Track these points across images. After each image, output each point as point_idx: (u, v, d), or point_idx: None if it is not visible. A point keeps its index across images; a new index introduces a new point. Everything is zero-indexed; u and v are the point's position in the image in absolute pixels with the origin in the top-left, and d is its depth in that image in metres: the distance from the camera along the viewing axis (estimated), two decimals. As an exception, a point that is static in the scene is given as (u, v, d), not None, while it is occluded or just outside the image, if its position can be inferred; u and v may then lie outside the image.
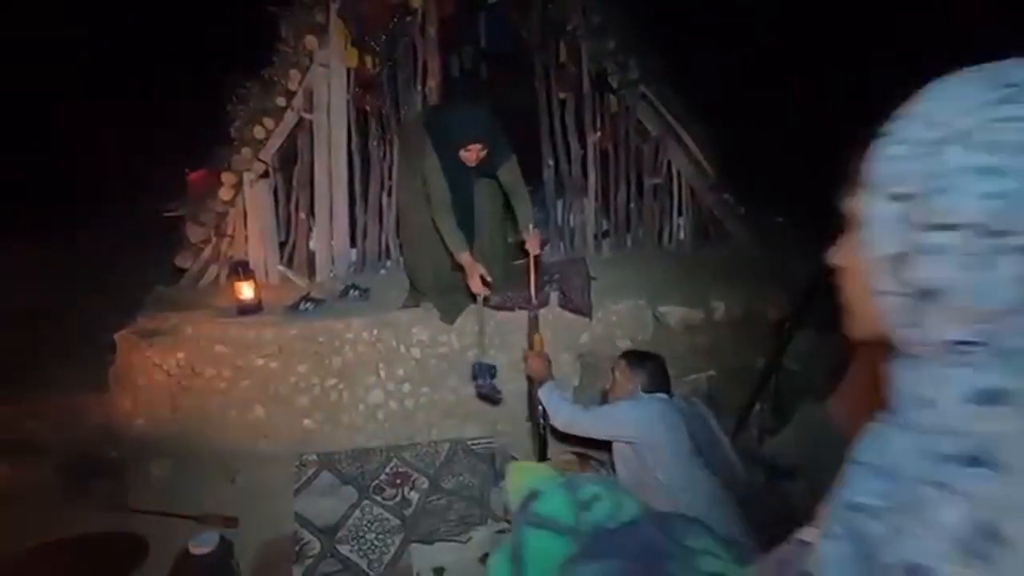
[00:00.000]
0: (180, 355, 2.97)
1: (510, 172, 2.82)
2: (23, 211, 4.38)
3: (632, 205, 3.83)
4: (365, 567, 2.25)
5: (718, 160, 3.81)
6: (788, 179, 3.66)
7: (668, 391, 2.32)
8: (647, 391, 2.26)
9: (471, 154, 2.65)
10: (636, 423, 2.12)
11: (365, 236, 3.61)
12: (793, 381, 2.57)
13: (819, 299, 2.23)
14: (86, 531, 2.33)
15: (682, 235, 3.90)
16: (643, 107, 3.65)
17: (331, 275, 3.57)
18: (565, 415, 2.27)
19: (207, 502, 2.52)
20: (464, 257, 2.75)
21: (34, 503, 2.53)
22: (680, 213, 3.87)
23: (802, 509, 2.13)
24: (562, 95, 3.62)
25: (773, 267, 3.55)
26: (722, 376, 3.15)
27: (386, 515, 2.52)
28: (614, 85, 3.60)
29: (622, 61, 3.54)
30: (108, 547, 2.28)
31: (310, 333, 3.03)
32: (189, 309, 3.21)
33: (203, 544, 2.14)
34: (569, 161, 3.71)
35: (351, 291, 3.31)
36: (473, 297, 2.86)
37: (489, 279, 2.77)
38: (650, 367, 2.31)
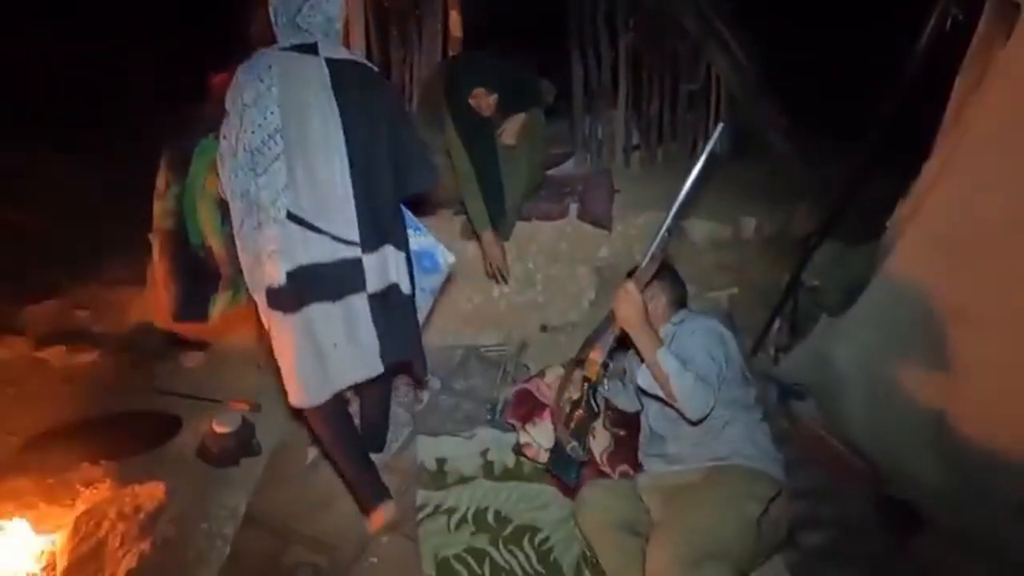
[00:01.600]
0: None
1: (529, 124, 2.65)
2: (68, 122, 4.54)
3: (665, 116, 3.59)
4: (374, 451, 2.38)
5: (764, 65, 3.49)
6: (840, 89, 3.34)
7: None
8: (677, 308, 1.97)
9: (478, 101, 2.50)
10: (729, 340, 1.83)
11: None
12: (812, 297, 2.46)
13: (847, 212, 2.08)
14: (129, 408, 2.58)
15: (717, 147, 3.66)
16: (682, 4, 3.33)
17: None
18: (688, 378, 1.63)
19: (233, 390, 2.70)
20: (486, 236, 2.75)
21: (86, 383, 2.78)
22: (716, 124, 3.61)
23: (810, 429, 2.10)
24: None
25: (813, 184, 3.32)
26: (745, 295, 3.04)
27: (397, 410, 2.63)
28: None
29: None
30: (147, 422, 2.51)
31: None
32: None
33: (227, 424, 2.33)
34: (599, 68, 3.48)
35: (371, 198, 3.31)
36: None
37: (505, 273, 2.86)
38: (671, 277, 2.00)
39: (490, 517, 2.08)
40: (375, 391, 2.23)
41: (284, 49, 1.69)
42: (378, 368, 1.83)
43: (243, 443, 2.34)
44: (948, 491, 1.92)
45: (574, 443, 1.89)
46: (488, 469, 2.30)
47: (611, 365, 1.97)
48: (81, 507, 1.91)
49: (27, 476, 2.10)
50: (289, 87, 1.64)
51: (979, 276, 1.68)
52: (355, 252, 1.73)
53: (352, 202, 1.70)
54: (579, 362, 1.99)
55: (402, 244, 1.86)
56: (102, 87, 4.68)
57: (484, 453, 2.38)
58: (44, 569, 1.78)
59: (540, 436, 2.29)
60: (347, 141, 1.68)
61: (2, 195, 4.18)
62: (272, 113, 1.62)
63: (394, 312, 1.83)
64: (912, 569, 1.87)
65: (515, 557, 1.93)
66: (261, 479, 2.25)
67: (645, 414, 1.99)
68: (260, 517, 2.07)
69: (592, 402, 1.94)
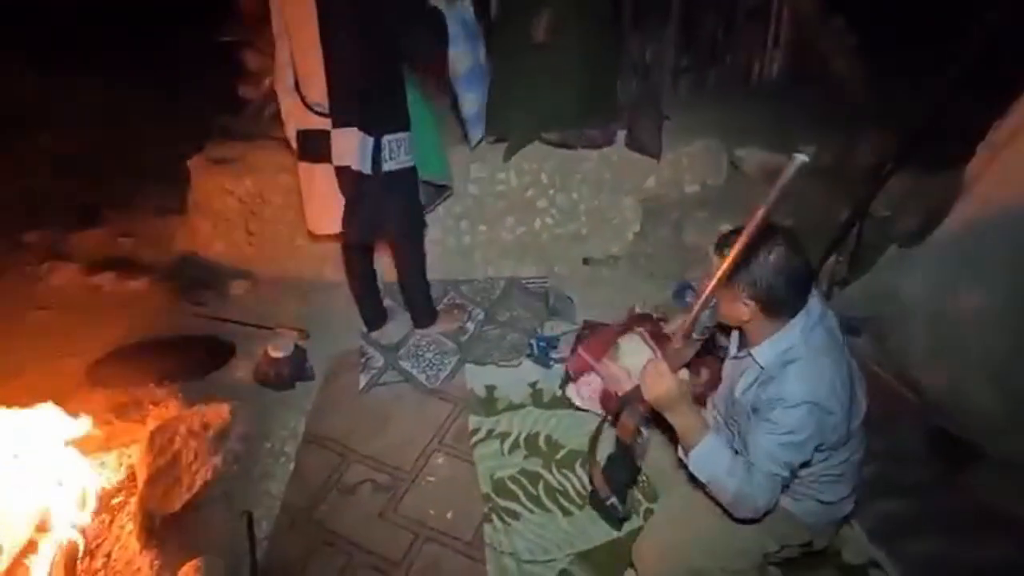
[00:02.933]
0: (248, 182, 3.06)
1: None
2: (100, 44, 4.42)
3: (720, 35, 3.35)
4: (424, 380, 2.43)
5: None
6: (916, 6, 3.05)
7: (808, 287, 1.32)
8: (784, 314, 1.30)
9: None
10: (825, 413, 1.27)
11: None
12: (880, 229, 2.35)
13: (926, 140, 1.94)
14: (183, 333, 2.64)
15: (775, 71, 3.43)
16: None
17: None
18: (730, 490, 1.29)
19: (280, 317, 2.75)
20: None
21: (138, 308, 2.85)
22: (776, 44, 3.37)
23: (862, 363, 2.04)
24: None
25: (879, 111, 3.11)
26: (800, 227, 2.90)
27: (443, 339, 2.66)
28: None
29: None
30: (203, 347, 2.57)
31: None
32: (254, 139, 3.24)
33: (282, 349, 2.38)
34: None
35: (409, 124, 3.21)
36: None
37: None
38: (786, 246, 1.27)
39: (541, 442, 2.12)
40: (395, 256, 2.53)
41: None
42: (332, 229, 2.21)
43: (297, 367, 2.40)
44: (1007, 423, 1.90)
45: (613, 499, 1.67)
46: (537, 397, 2.33)
47: (645, 431, 1.66)
48: (152, 424, 1.99)
49: (97, 394, 2.19)
50: None
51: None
52: (326, 124, 2.00)
53: (323, 78, 1.92)
54: (614, 416, 1.70)
55: (370, 126, 1.99)
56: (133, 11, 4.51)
57: (533, 383, 2.40)
58: (126, 479, 1.89)
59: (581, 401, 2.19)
60: (321, 22, 1.85)
61: (40, 121, 4.16)
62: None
63: (358, 190, 2.08)
64: (964, 497, 1.87)
65: (568, 480, 1.98)
66: (316, 402, 2.32)
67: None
68: (319, 437, 2.15)
69: (628, 460, 1.65)
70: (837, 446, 1.35)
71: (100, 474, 1.89)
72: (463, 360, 2.54)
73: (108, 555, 1.71)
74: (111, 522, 1.79)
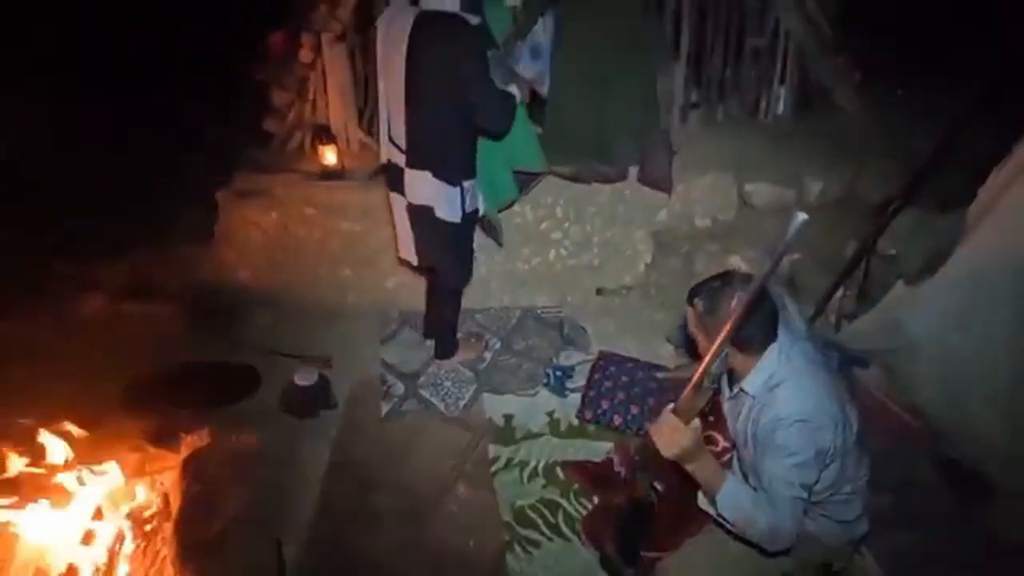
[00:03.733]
0: (273, 215, 3.18)
1: None
2: (133, 80, 4.60)
3: (728, 72, 3.47)
4: (443, 408, 2.50)
5: (838, 17, 3.32)
6: (916, 43, 3.17)
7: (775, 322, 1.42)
8: (758, 348, 1.41)
9: None
10: (818, 433, 1.35)
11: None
12: (886, 265, 2.43)
13: (932, 178, 2.02)
14: (211, 360, 2.73)
15: (781, 107, 3.54)
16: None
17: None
18: (759, 526, 1.34)
19: (303, 346, 2.83)
20: None
21: (165, 335, 2.94)
22: (782, 81, 3.48)
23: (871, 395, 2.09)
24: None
25: (885, 146, 3.20)
26: (808, 260, 3.00)
27: (461, 368, 2.73)
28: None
29: None
30: (230, 374, 2.66)
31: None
32: (279, 172, 3.36)
33: (307, 377, 2.47)
34: (661, 19, 3.35)
35: (428, 159, 3.33)
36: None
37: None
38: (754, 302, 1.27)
39: (559, 471, 2.18)
40: (436, 288, 2.70)
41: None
42: (413, 259, 2.47)
43: (321, 396, 2.48)
44: (1017, 456, 1.94)
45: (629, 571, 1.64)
46: (554, 426, 2.40)
47: (660, 487, 1.69)
48: (185, 452, 2.06)
49: (131, 420, 2.27)
50: (388, 30, 2.15)
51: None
52: (402, 161, 2.25)
53: (404, 126, 2.19)
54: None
55: (448, 176, 2.21)
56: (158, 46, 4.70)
57: (550, 412, 2.47)
58: (160, 505, 1.95)
59: None
60: (407, 79, 2.10)
61: (73, 150, 4.31)
62: (377, 49, 2.21)
63: (426, 225, 2.31)
64: (977, 530, 1.91)
65: (586, 509, 2.03)
66: (340, 430, 2.39)
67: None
68: (343, 465, 2.22)
69: (641, 520, 1.62)
70: (839, 457, 1.41)
71: (135, 502, 1.96)
72: (481, 389, 2.61)
73: (143, 580, 1.77)
74: (146, 547, 1.86)
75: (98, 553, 1.77)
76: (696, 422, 1.38)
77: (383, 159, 2.40)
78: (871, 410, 2.38)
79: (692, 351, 1.57)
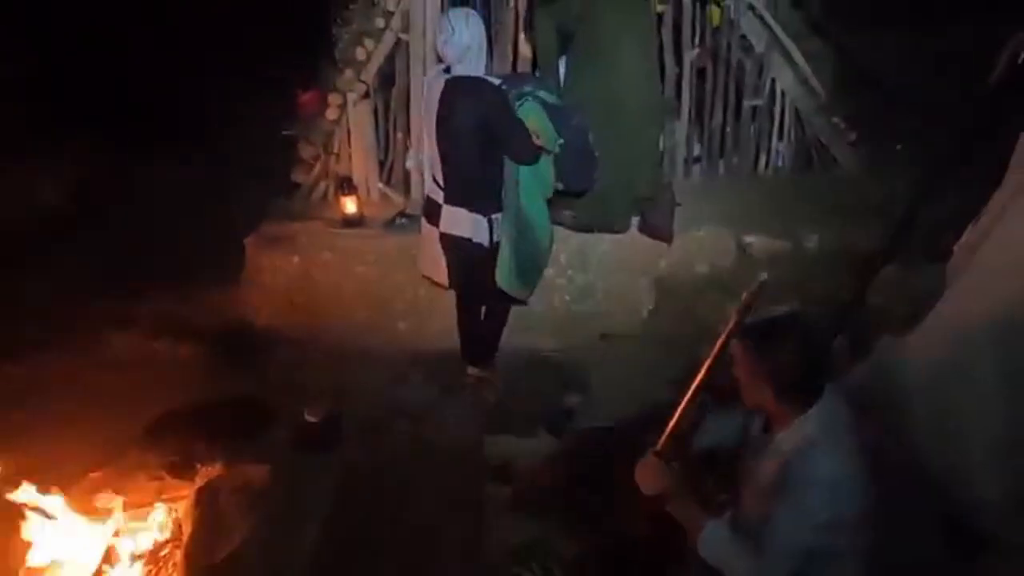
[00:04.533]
0: (295, 259, 3.40)
1: None
2: (171, 135, 5.01)
3: (728, 129, 3.65)
4: (444, 447, 2.59)
5: (831, 80, 3.49)
6: (910, 103, 3.31)
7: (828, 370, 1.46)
8: (803, 402, 1.36)
9: None
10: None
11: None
12: (875, 316, 2.49)
13: (913, 231, 2.12)
14: (231, 396, 2.88)
15: (781, 162, 3.69)
16: (749, 20, 3.39)
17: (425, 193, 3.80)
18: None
19: (317, 384, 2.97)
20: None
21: (191, 372, 3.12)
22: (781, 138, 3.64)
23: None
24: (659, 7, 3.44)
25: (882, 200, 3.30)
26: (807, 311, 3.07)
27: (466, 410, 2.83)
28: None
29: (728, -33, 3.27)
30: (248, 410, 2.80)
31: (405, 246, 3.32)
32: (303, 220, 3.61)
33: (316, 414, 2.59)
34: (663, 80, 3.57)
35: (442, 209, 3.54)
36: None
37: None
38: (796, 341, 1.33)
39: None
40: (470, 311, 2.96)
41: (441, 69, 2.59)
42: (444, 280, 2.80)
43: (332, 433, 2.59)
44: (1014, 510, 1.94)
45: None
46: (551, 468, 2.45)
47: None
48: (200, 481, 2.19)
49: (154, 452, 2.42)
50: (428, 94, 2.61)
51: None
52: (440, 198, 2.63)
53: (440, 168, 2.61)
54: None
55: (480, 210, 2.59)
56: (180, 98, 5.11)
57: (549, 455, 2.53)
58: (173, 532, 2.07)
59: None
60: (440, 132, 2.53)
61: (114, 199, 4.67)
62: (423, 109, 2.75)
63: (461, 253, 2.66)
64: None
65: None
66: (346, 465, 2.49)
67: None
68: (347, 499, 2.30)
69: None
70: (851, 529, 1.36)
71: (150, 531, 2.08)
72: (483, 430, 2.70)
73: (154, 603, 1.87)
74: (157, 572, 1.97)
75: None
76: (675, 464, 1.46)
77: (426, 192, 2.85)
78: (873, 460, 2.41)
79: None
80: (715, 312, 3.16)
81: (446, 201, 2.64)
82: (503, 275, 2.69)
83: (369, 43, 3.52)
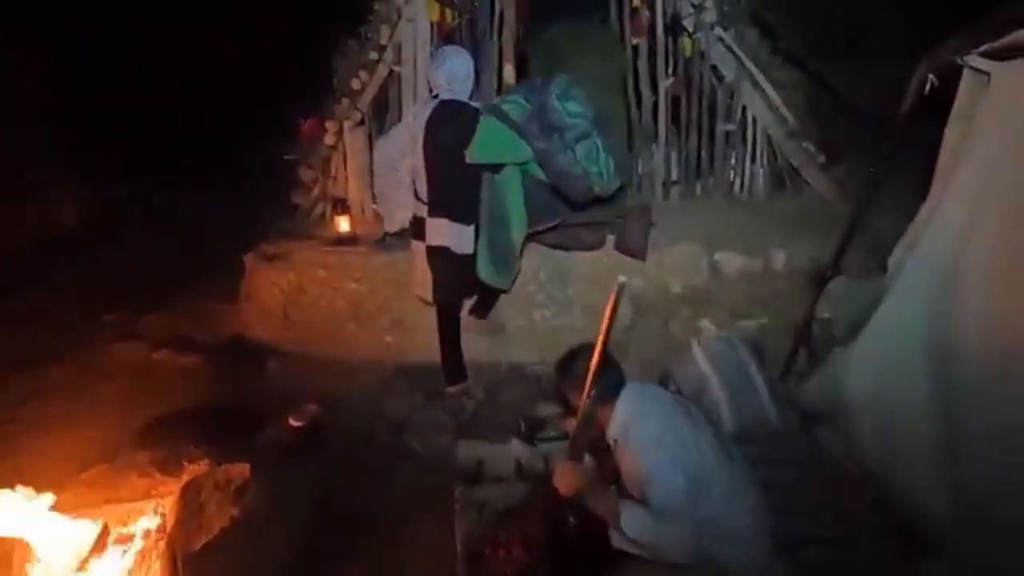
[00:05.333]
0: (291, 275, 3.59)
1: None
2: (178, 159, 5.32)
3: (703, 153, 3.82)
4: (421, 452, 2.73)
5: (801, 106, 3.65)
6: (879, 127, 3.44)
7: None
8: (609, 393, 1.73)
9: None
10: (672, 456, 1.63)
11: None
12: (824, 328, 2.60)
13: (854, 246, 2.24)
14: (223, 403, 3.06)
15: (756, 184, 3.83)
16: (719, 51, 3.58)
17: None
18: (663, 532, 1.56)
19: (306, 393, 3.13)
20: None
21: (190, 380, 3.31)
22: (754, 161, 3.80)
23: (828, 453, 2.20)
24: (635, 41, 3.65)
25: (850, 220, 3.41)
26: (776, 325, 3.18)
27: (443, 417, 2.97)
28: (689, 28, 3.55)
29: (699, 3, 3.48)
30: (238, 415, 2.97)
31: (393, 263, 3.51)
32: (301, 239, 3.82)
33: (300, 418, 2.75)
34: (639, 108, 3.77)
35: (430, 228, 3.74)
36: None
37: None
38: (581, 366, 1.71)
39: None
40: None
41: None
42: (429, 296, 2.97)
43: (314, 437, 2.75)
44: (952, 515, 2.01)
45: None
46: (520, 472, 2.57)
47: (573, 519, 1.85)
48: (185, 478, 2.35)
49: (146, 452, 2.59)
50: (414, 119, 2.87)
51: (969, 309, 1.82)
52: (424, 212, 2.84)
53: (425, 185, 2.81)
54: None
55: (463, 219, 2.81)
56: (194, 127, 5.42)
57: (518, 459, 2.65)
58: (158, 525, 2.22)
59: None
60: (429, 149, 2.76)
61: (125, 222, 4.96)
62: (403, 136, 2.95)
63: (443, 263, 2.86)
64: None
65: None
66: (326, 466, 2.64)
67: None
68: (325, 498, 2.45)
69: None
70: (703, 467, 1.64)
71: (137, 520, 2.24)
72: (458, 436, 2.83)
73: (136, 589, 2.01)
74: (142, 561, 2.11)
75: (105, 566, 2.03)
76: (587, 461, 1.63)
77: (409, 216, 3.02)
78: (824, 466, 2.49)
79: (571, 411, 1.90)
80: (687, 329, 3.29)
81: (429, 215, 2.85)
82: (482, 266, 2.91)
83: (364, 75, 3.76)
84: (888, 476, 2.22)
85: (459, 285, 3.00)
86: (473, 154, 2.73)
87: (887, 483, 2.24)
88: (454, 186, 2.80)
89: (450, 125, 2.73)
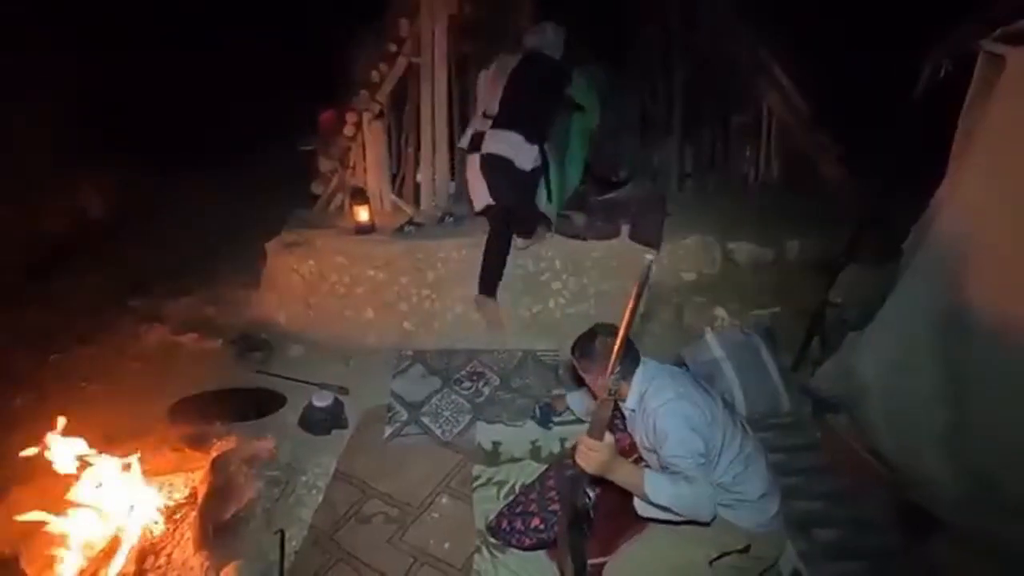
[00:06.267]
0: (311, 263, 3.67)
1: None
2: (201, 151, 5.43)
3: (718, 144, 3.85)
4: (439, 434, 2.80)
5: (817, 98, 3.67)
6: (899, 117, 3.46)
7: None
8: (633, 368, 1.82)
9: None
10: (701, 426, 1.71)
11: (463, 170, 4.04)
12: (838, 314, 2.63)
13: (867, 234, 2.28)
14: (245, 385, 3.15)
15: (770, 176, 3.86)
16: (734, 43, 3.60)
17: (433, 204, 4.07)
18: (687, 494, 1.62)
19: (327, 376, 3.22)
20: None
21: (213, 363, 3.40)
22: (768, 154, 3.82)
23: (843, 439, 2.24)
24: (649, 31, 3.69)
25: (864, 210, 3.43)
26: (787, 314, 3.21)
27: (461, 401, 3.04)
28: (704, 19, 3.58)
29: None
30: (261, 396, 3.06)
31: (411, 251, 3.58)
32: (320, 227, 3.90)
33: (323, 400, 2.83)
34: (655, 101, 3.80)
35: (447, 218, 3.81)
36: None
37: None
38: (601, 348, 1.80)
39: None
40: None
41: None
42: (482, 205, 3.45)
43: (335, 417, 2.83)
44: (960, 494, 2.05)
45: None
46: (535, 453, 2.64)
47: (592, 494, 1.96)
48: (214, 453, 2.43)
49: (174, 429, 2.68)
50: (497, 67, 3.52)
51: (981, 291, 1.85)
52: (487, 127, 3.31)
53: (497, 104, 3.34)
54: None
55: (531, 138, 3.21)
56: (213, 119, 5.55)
57: (534, 441, 2.72)
58: (189, 496, 2.31)
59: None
60: (512, 78, 3.33)
61: (150, 211, 5.08)
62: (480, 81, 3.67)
63: (501, 173, 3.26)
64: (920, 565, 2.01)
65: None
66: (347, 446, 2.71)
67: None
68: (346, 475, 2.53)
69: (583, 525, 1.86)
70: (717, 430, 1.74)
71: (169, 492, 2.33)
72: (475, 419, 2.90)
73: (169, 555, 2.10)
74: (174, 530, 2.20)
75: (134, 534, 2.13)
76: (609, 437, 1.67)
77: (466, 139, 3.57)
78: (836, 451, 2.53)
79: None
80: (700, 317, 3.33)
81: (495, 126, 3.26)
82: (544, 199, 3.35)
83: (383, 66, 3.83)
84: (899, 458, 2.26)
85: (514, 195, 3.32)
86: (573, 94, 3.32)
87: (897, 465, 2.27)
88: (530, 109, 3.23)
89: (541, 66, 3.26)
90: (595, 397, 1.89)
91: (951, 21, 1.80)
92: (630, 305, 1.48)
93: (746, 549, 1.77)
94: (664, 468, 1.71)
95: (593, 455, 1.63)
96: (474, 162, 3.37)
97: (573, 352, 1.94)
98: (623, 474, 1.66)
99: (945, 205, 1.95)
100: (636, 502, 1.69)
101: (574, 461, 1.69)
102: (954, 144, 1.96)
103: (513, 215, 3.38)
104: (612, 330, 1.72)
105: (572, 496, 1.84)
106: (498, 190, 3.31)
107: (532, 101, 3.24)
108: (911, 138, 1.97)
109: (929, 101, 1.89)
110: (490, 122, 3.32)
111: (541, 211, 3.42)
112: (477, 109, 3.61)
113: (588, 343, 1.89)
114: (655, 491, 1.62)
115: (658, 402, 1.73)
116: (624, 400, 1.85)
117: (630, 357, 1.82)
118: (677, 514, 1.63)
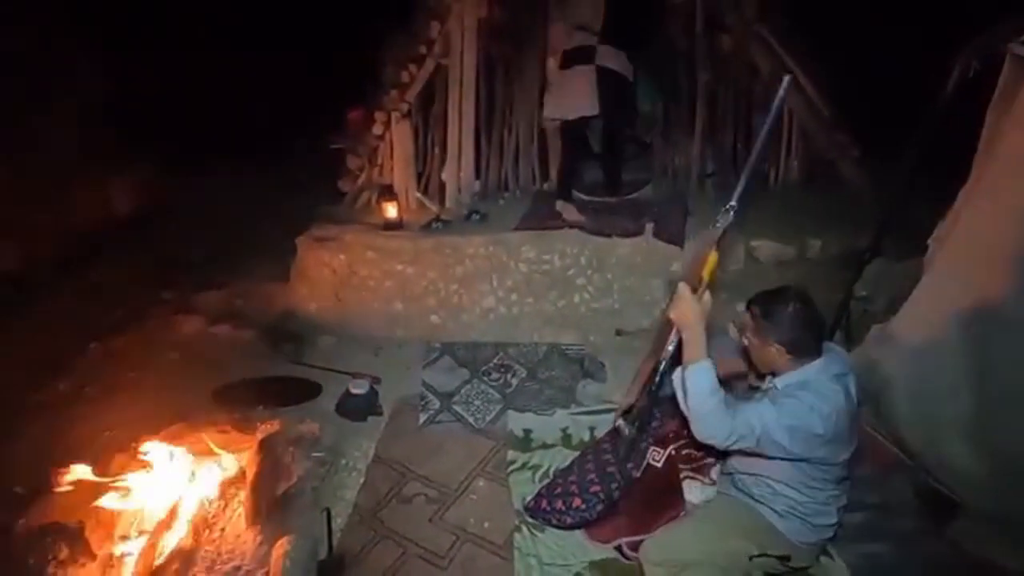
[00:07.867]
0: (342, 257, 3.78)
1: None
2: (232, 149, 5.56)
3: (739, 146, 3.93)
4: (472, 421, 2.89)
5: (836, 100, 3.75)
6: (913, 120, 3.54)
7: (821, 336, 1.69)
8: (805, 354, 1.63)
9: None
10: (824, 423, 1.57)
11: (488, 169, 4.14)
12: (862, 307, 2.71)
13: (894, 231, 2.36)
14: (281, 374, 3.25)
15: (791, 176, 3.94)
16: (757, 46, 3.70)
17: (458, 201, 4.17)
18: (709, 404, 1.61)
19: (357, 366, 3.31)
20: None
21: (247, 353, 3.50)
22: (789, 154, 3.90)
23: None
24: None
25: (886, 210, 3.51)
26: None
27: (490, 391, 3.13)
28: (728, 24, 3.67)
29: (738, -1, 3.60)
30: (298, 385, 3.16)
31: (439, 247, 3.68)
32: (349, 223, 4.00)
33: (359, 387, 2.93)
34: (678, 103, 3.90)
35: (473, 215, 3.91)
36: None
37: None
38: (796, 312, 1.62)
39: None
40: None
41: None
42: (590, 110, 3.58)
43: (371, 404, 2.93)
44: (984, 479, 2.12)
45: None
46: (567, 440, 2.73)
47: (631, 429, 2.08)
48: (260, 435, 2.53)
49: (220, 414, 2.79)
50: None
51: (1008, 283, 1.94)
52: (595, 42, 3.50)
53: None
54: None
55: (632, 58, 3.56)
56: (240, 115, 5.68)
57: (564, 428, 2.81)
58: (238, 475, 2.41)
59: None
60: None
61: (184, 208, 5.21)
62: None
63: (611, 84, 3.49)
64: (945, 546, 2.08)
65: (587, 506, 2.33)
66: (384, 432, 2.81)
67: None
68: (384, 459, 2.62)
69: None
70: (822, 464, 1.64)
71: (221, 470, 2.43)
72: (506, 408, 2.99)
73: (223, 530, 2.20)
74: (226, 506, 2.30)
75: (191, 508, 2.23)
76: (707, 296, 1.74)
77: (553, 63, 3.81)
78: (863, 440, 2.60)
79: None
80: (723, 313, 3.40)
81: (603, 43, 3.49)
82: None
83: (412, 67, 3.94)
84: (922, 447, 2.34)
85: (622, 111, 3.66)
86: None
87: (921, 453, 2.35)
88: (633, 29, 3.48)
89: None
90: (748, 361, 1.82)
91: (979, 24, 1.88)
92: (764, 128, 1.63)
93: (786, 558, 1.79)
94: (736, 408, 1.62)
95: (682, 305, 1.65)
96: (574, 73, 3.52)
97: (757, 302, 1.71)
98: (693, 335, 1.65)
99: (971, 201, 2.04)
100: (678, 369, 1.70)
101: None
102: (981, 140, 2.05)
103: (617, 129, 3.72)
104: (806, 299, 1.63)
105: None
106: (608, 103, 3.49)
107: (633, 20, 3.48)
108: (936, 137, 2.06)
109: (956, 100, 1.97)
110: (586, 34, 3.50)
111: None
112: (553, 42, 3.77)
113: (779, 306, 1.64)
114: (697, 375, 1.60)
115: (810, 400, 1.56)
116: (776, 376, 1.70)
117: (816, 342, 1.64)
118: (690, 407, 1.62)
